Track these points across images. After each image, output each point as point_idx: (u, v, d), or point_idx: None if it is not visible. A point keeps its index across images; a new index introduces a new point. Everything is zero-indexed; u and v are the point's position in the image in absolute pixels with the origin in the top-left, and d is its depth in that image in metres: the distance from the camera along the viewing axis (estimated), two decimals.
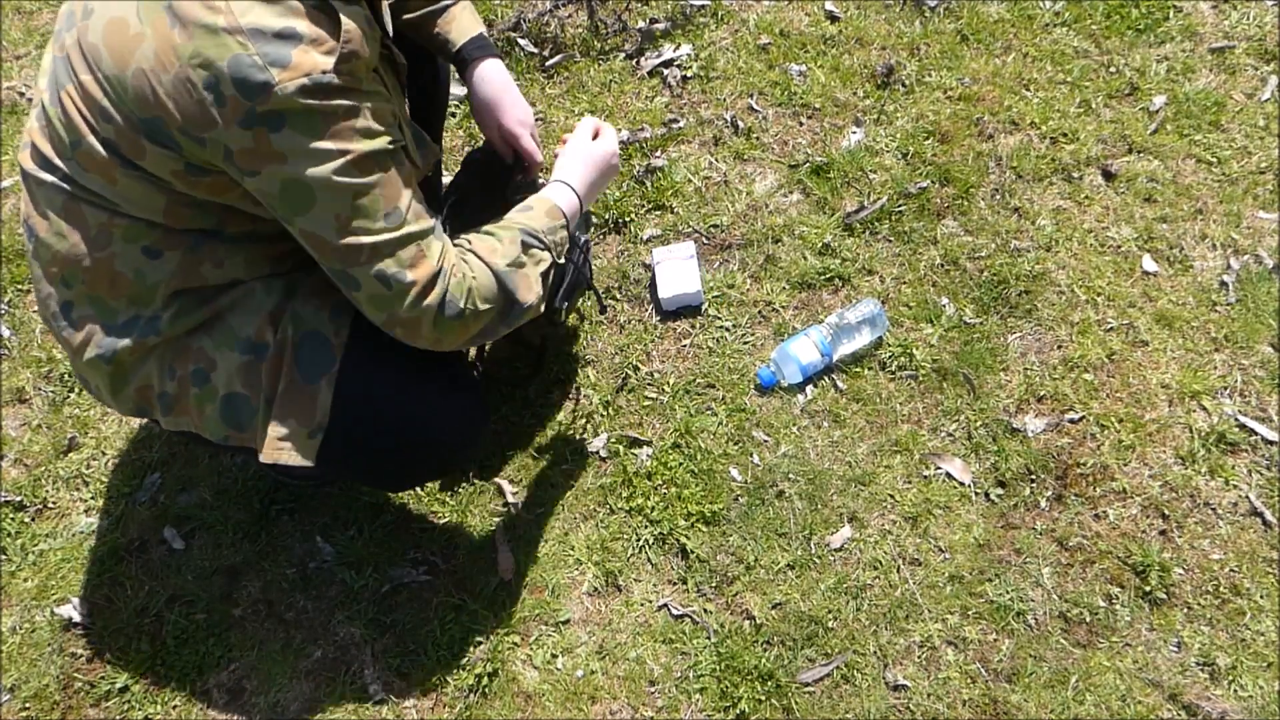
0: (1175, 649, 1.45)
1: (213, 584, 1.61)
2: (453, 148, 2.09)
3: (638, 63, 2.16)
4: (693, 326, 1.80)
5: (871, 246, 1.86)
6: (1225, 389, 1.66)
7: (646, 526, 1.60)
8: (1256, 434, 1.60)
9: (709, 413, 1.70)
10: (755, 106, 2.06)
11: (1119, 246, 1.82)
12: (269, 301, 1.20)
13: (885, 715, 1.43)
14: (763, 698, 1.44)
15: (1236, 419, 1.62)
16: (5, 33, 2.45)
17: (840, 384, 1.71)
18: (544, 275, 1.25)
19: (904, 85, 2.06)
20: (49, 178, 1.09)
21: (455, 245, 1.18)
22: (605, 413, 1.72)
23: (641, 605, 1.55)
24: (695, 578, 1.56)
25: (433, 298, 1.11)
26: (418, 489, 1.66)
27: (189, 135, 0.99)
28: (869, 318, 1.71)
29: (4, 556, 1.66)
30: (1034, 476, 1.60)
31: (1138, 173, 1.90)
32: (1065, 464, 1.60)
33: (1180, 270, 1.79)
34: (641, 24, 2.20)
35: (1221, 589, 1.48)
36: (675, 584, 1.56)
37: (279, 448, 1.19)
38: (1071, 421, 1.64)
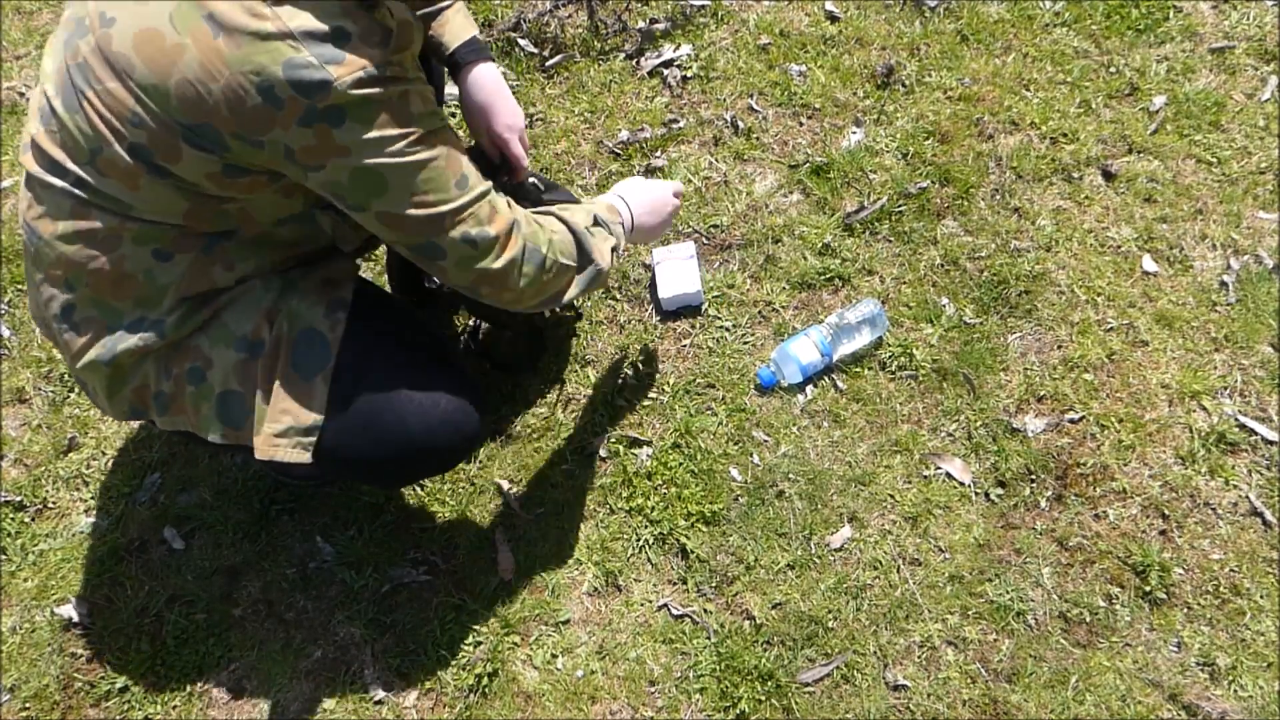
0: (1175, 649, 1.45)
1: (213, 584, 1.61)
2: None
3: (638, 63, 2.16)
4: (693, 326, 1.80)
5: (871, 246, 1.86)
6: (1225, 389, 1.66)
7: (646, 526, 1.60)
8: (1256, 434, 1.60)
9: (709, 413, 1.70)
10: (755, 106, 2.06)
11: (1119, 246, 1.82)
12: (266, 299, 1.20)
13: (885, 715, 1.43)
14: (763, 698, 1.44)
15: (1236, 419, 1.62)
16: (5, 33, 2.45)
17: (840, 384, 1.71)
18: (613, 250, 1.34)
19: (904, 85, 2.06)
20: (59, 182, 1.09)
21: (532, 212, 1.26)
22: (605, 413, 1.72)
23: (641, 605, 1.55)
24: (695, 578, 1.56)
25: (514, 247, 1.17)
26: (417, 487, 1.66)
27: (244, 139, 1.00)
28: (869, 318, 1.71)
29: (4, 556, 1.66)
30: (1034, 476, 1.60)
31: (1138, 173, 1.90)
32: (1065, 464, 1.60)
33: (1180, 270, 1.79)
34: (641, 24, 2.20)
35: (1221, 589, 1.48)
36: (675, 584, 1.56)
37: (275, 444, 1.19)
38: (1071, 421, 1.64)
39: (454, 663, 1.51)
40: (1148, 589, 1.49)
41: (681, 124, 2.04)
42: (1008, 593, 1.50)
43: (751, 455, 1.65)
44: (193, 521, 1.67)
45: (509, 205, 1.20)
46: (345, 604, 1.57)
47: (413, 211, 1.09)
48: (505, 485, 1.66)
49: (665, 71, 2.13)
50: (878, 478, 1.62)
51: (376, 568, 1.60)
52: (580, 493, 1.65)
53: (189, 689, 1.52)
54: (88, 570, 1.63)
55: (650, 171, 1.97)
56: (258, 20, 0.95)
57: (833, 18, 2.18)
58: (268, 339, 1.19)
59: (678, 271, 1.79)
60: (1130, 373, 1.68)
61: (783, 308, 1.80)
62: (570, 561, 1.59)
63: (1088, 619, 1.48)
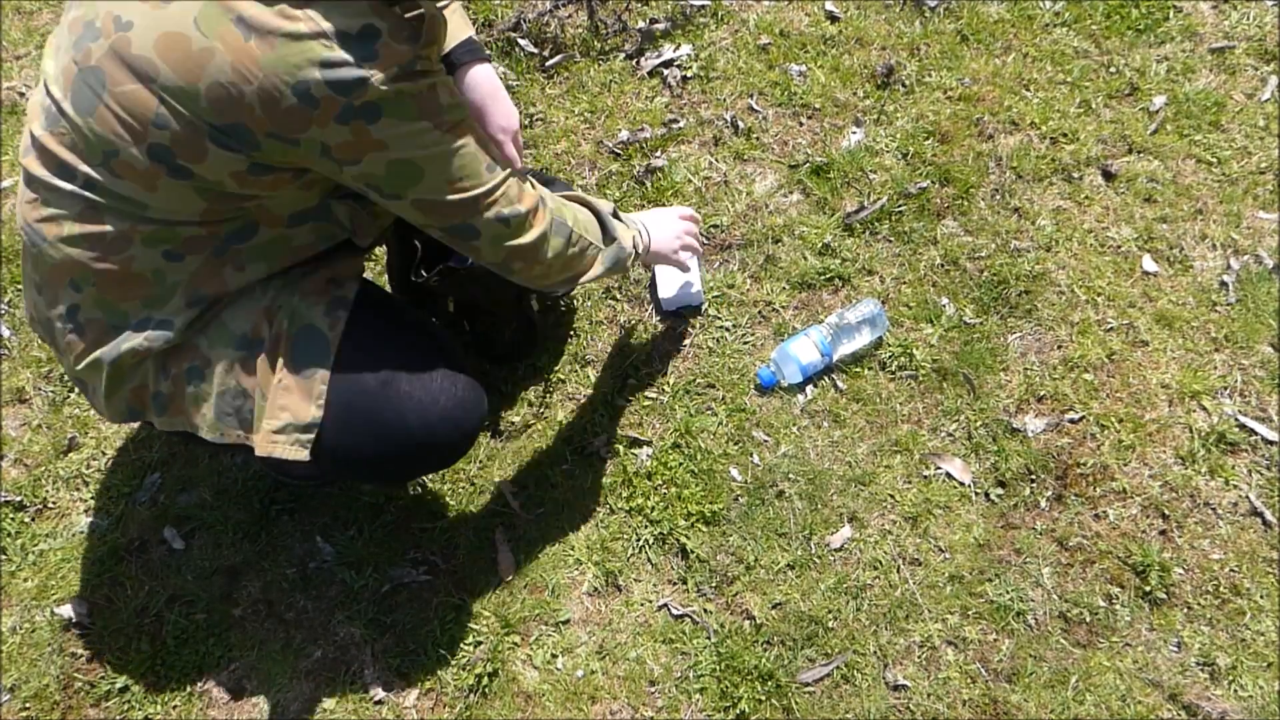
0: (1175, 649, 1.45)
1: (213, 584, 1.61)
2: None
3: (638, 63, 2.16)
4: (693, 326, 1.80)
5: (871, 246, 1.86)
6: (1225, 389, 1.66)
7: (646, 526, 1.60)
8: (1256, 434, 1.60)
9: (709, 413, 1.70)
10: (755, 106, 2.06)
11: (1119, 246, 1.82)
12: (265, 298, 1.20)
13: (885, 715, 1.43)
14: (763, 698, 1.44)
15: (1236, 419, 1.62)
16: (5, 33, 2.45)
17: (840, 384, 1.71)
18: (633, 240, 1.42)
19: (904, 85, 2.06)
20: (67, 185, 1.09)
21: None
22: (605, 413, 1.72)
23: (641, 605, 1.55)
24: (695, 578, 1.56)
25: (542, 222, 1.24)
26: (417, 487, 1.66)
27: (279, 137, 1.01)
28: (869, 318, 1.71)
29: (4, 556, 1.66)
30: (1034, 476, 1.60)
31: (1138, 173, 1.90)
32: (1065, 464, 1.60)
33: (1180, 270, 1.79)
34: (641, 24, 2.20)
35: (1221, 589, 1.48)
36: (675, 584, 1.56)
37: (274, 441, 1.19)
38: (1071, 421, 1.64)
39: (454, 663, 1.51)
40: (1148, 589, 1.49)
41: (681, 124, 2.04)
42: (1008, 593, 1.50)
43: (751, 455, 1.65)
44: (193, 521, 1.67)
45: (533, 184, 1.25)
46: (345, 604, 1.57)
47: (450, 197, 1.13)
48: (505, 485, 1.66)
49: (665, 71, 2.13)
50: (878, 478, 1.62)
51: (376, 568, 1.60)
52: (580, 493, 1.65)
53: (189, 689, 1.52)
54: (88, 570, 1.63)
55: (650, 171, 1.97)
56: (290, 22, 0.96)
57: (833, 18, 2.18)
58: (267, 336, 1.19)
59: (678, 272, 1.79)
60: (1130, 373, 1.68)
61: (783, 308, 1.80)
62: (570, 561, 1.59)
63: (1088, 619, 1.48)
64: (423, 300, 1.69)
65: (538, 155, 2.04)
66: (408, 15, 1.03)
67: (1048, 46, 2.09)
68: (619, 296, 1.85)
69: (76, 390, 1.82)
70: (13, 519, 1.69)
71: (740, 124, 2.03)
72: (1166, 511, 1.55)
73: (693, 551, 1.57)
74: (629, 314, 1.83)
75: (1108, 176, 1.91)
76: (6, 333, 1.91)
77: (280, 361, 1.19)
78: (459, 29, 1.45)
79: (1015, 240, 1.84)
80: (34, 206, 1.13)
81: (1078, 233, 1.84)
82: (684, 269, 1.67)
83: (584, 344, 1.80)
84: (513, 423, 1.73)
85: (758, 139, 2.01)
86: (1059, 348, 1.72)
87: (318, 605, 1.58)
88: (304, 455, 1.20)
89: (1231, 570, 1.50)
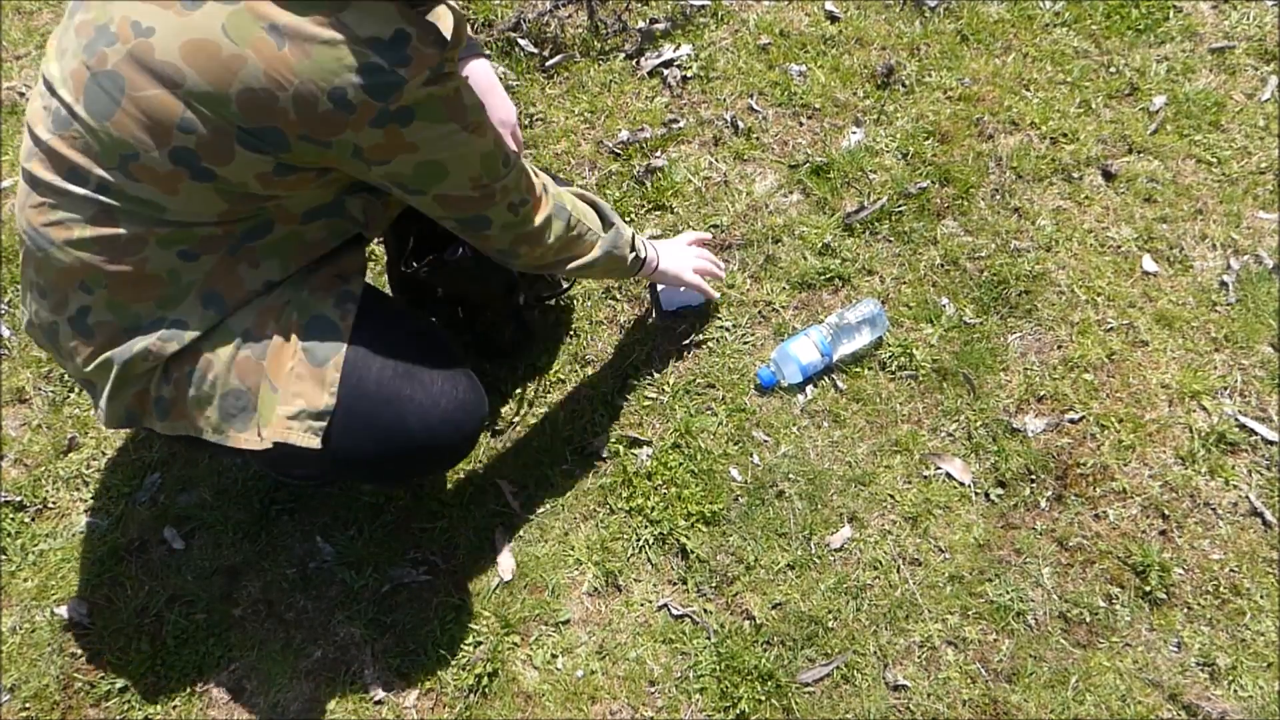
0: (1175, 649, 1.45)
1: (213, 584, 1.61)
2: None
3: (638, 63, 2.16)
4: (693, 326, 1.80)
5: (871, 246, 1.86)
6: (1225, 389, 1.66)
7: (646, 526, 1.60)
8: (1256, 434, 1.60)
9: (709, 413, 1.70)
10: (755, 106, 2.06)
11: (1119, 246, 1.82)
12: (269, 296, 1.20)
13: (885, 715, 1.43)
14: (763, 698, 1.44)
15: (1236, 419, 1.62)
16: (5, 33, 2.45)
17: (840, 384, 1.71)
18: (634, 239, 1.49)
19: (904, 85, 2.06)
20: (79, 189, 1.08)
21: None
22: (605, 413, 1.72)
23: (641, 605, 1.55)
24: (695, 578, 1.56)
25: (547, 206, 1.29)
26: (417, 487, 1.66)
27: (311, 140, 1.03)
28: (869, 318, 1.71)
29: (4, 556, 1.66)
30: (1034, 476, 1.60)
31: (1138, 173, 1.90)
32: (1065, 464, 1.60)
33: (1180, 270, 1.79)
34: (641, 24, 2.20)
35: (1221, 589, 1.48)
36: (675, 584, 1.56)
37: (288, 427, 1.19)
38: (1071, 421, 1.64)
39: (454, 663, 1.51)
40: (1148, 589, 1.49)
41: (681, 124, 2.04)
42: (1008, 593, 1.50)
43: (751, 455, 1.65)
44: (193, 521, 1.67)
45: (536, 172, 1.29)
46: (345, 604, 1.57)
47: (469, 193, 1.17)
48: (505, 485, 1.66)
49: (665, 71, 2.13)
50: (878, 478, 1.62)
51: (376, 568, 1.60)
52: (580, 493, 1.65)
53: (189, 689, 1.52)
54: (88, 570, 1.63)
55: (650, 171, 1.97)
56: (325, 30, 0.97)
57: (833, 18, 2.18)
58: (275, 331, 1.19)
59: None
60: (1130, 373, 1.68)
61: (783, 308, 1.80)
62: (570, 561, 1.59)
63: (1088, 619, 1.48)
64: (422, 300, 1.69)
65: (538, 155, 2.04)
66: (430, 17, 1.05)
67: (1048, 46, 2.09)
68: (619, 296, 1.85)
69: (78, 389, 1.82)
70: (13, 519, 1.69)
71: (740, 124, 2.03)
72: (1166, 511, 1.55)
73: (693, 551, 1.57)
74: (629, 314, 1.83)
75: (1108, 176, 1.91)
76: (6, 333, 1.91)
77: (292, 350, 1.20)
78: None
79: (1015, 240, 1.84)
80: (40, 210, 1.11)
81: (1078, 233, 1.84)
82: (708, 295, 1.72)
83: (584, 344, 1.80)
84: (513, 423, 1.73)
85: (758, 139, 2.01)
86: (1059, 348, 1.72)
87: (318, 605, 1.58)
88: (316, 443, 1.20)
89: (1231, 570, 1.50)
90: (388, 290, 1.75)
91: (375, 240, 1.81)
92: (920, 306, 1.78)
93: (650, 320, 1.82)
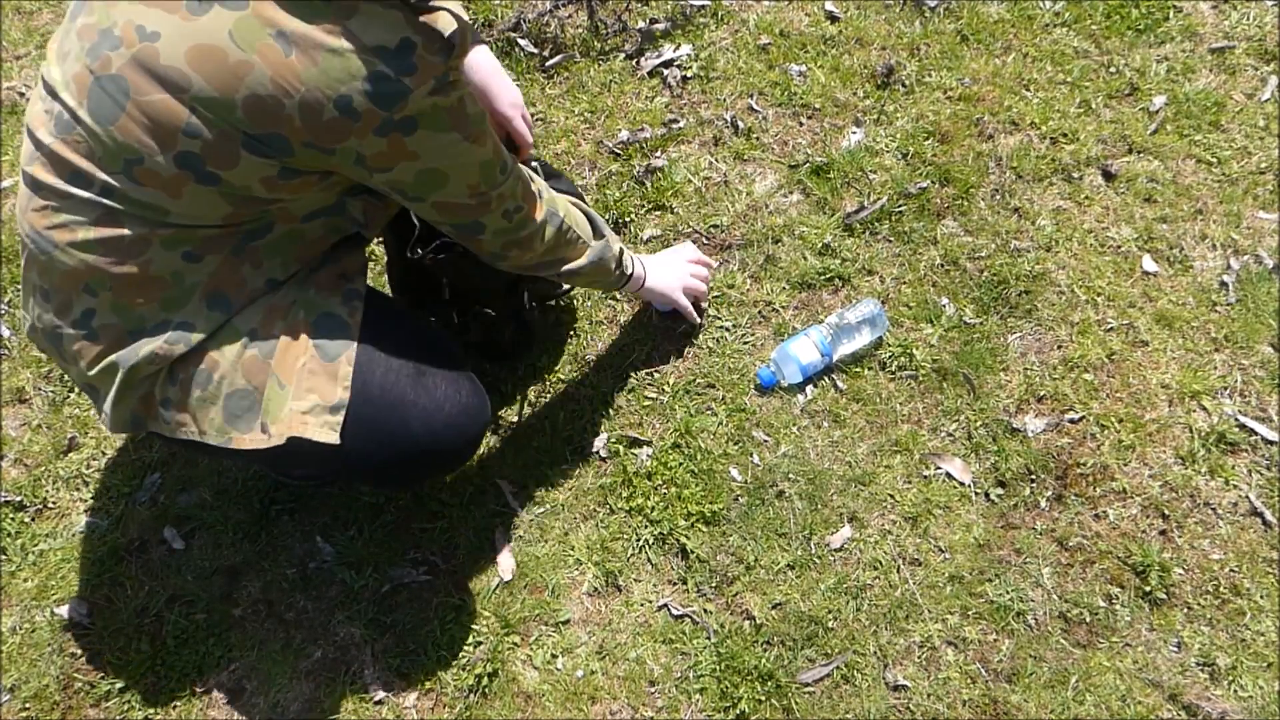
0: (1175, 649, 1.45)
1: (213, 584, 1.61)
2: None
3: (638, 63, 2.16)
4: (693, 326, 1.80)
5: (871, 246, 1.86)
6: (1225, 389, 1.66)
7: (646, 526, 1.60)
8: (1256, 434, 1.60)
9: (709, 413, 1.70)
10: (755, 106, 2.06)
11: (1119, 246, 1.82)
12: (274, 296, 1.20)
13: (885, 715, 1.43)
14: (763, 698, 1.44)
15: (1236, 419, 1.62)
16: (5, 33, 2.45)
17: (840, 384, 1.71)
18: (623, 252, 1.50)
19: (904, 85, 2.06)
20: (82, 193, 1.08)
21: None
22: (605, 413, 1.72)
23: (641, 605, 1.55)
24: (695, 578, 1.56)
25: (541, 212, 1.30)
26: (418, 487, 1.66)
27: (315, 146, 1.03)
28: (869, 318, 1.71)
29: (4, 556, 1.66)
30: (1034, 476, 1.60)
31: (1138, 173, 1.90)
32: (1065, 464, 1.60)
33: (1180, 270, 1.79)
34: (641, 24, 2.20)
35: (1221, 589, 1.48)
36: (675, 584, 1.56)
37: (304, 422, 1.18)
38: (1071, 421, 1.64)
39: (454, 663, 1.51)
40: (1148, 589, 1.49)
41: (681, 124, 2.04)
42: (1008, 593, 1.50)
43: (751, 455, 1.65)
44: (193, 521, 1.67)
45: (532, 176, 1.30)
46: (345, 604, 1.57)
47: (467, 200, 1.18)
48: (505, 485, 1.66)
49: (665, 71, 2.13)
50: (878, 478, 1.62)
51: (376, 568, 1.60)
52: (580, 493, 1.65)
53: (189, 689, 1.52)
54: (88, 570, 1.63)
55: (650, 171, 1.97)
56: (332, 37, 0.97)
57: (833, 18, 2.18)
58: (283, 329, 1.19)
59: None
60: (1130, 373, 1.68)
61: (783, 308, 1.80)
62: (570, 561, 1.59)
63: (1088, 619, 1.48)
64: (422, 301, 1.69)
65: (538, 155, 2.04)
66: (435, 24, 1.04)
67: (1048, 46, 2.09)
68: (619, 296, 1.85)
69: (78, 390, 1.82)
70: (13, 519, 1.69)
71: (740, 124, 2.03)
72: (1166, 511, 1.55)
73: (693, 551, 1.57)
74: (629, 314, 1.83)
75: (1108, 176, 1.91)
76: (6, 333, 1.91)
77: (302, 347, 1.20)
78: (458, 14, 1.46)
79: (1015, 240, 1.84)
80: (43, 214, 1.11)
81: (1078, 233, 1.84)
82: (691, 319, 1.73)
83: (584, 344, 1.80)
84: (513, 423, 1.73)
85: (758, 139, 2.01)
86: (1059, 348, 1.72)
87: (318, 605, 1.58)
88: (334, 437, 1.20)
89: (1231, 570, 1.50)
90: (387, 291, 1.75)
91: (375, 240, 1.81)
92: (920, 306, 1.78)
93: (650, 320, 1.82)
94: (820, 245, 1.85)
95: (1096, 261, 1.80)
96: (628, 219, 1.94)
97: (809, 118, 2.04)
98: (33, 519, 1.70)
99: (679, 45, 2.16)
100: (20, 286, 1.99)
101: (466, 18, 1.45)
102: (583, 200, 1.65)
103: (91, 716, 1.51)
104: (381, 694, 1.49)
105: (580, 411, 1.73)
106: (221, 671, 1.53)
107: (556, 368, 1.78)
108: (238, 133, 1.01)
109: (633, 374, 1.76)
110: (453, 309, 1.71)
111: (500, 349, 1.76)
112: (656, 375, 1.75)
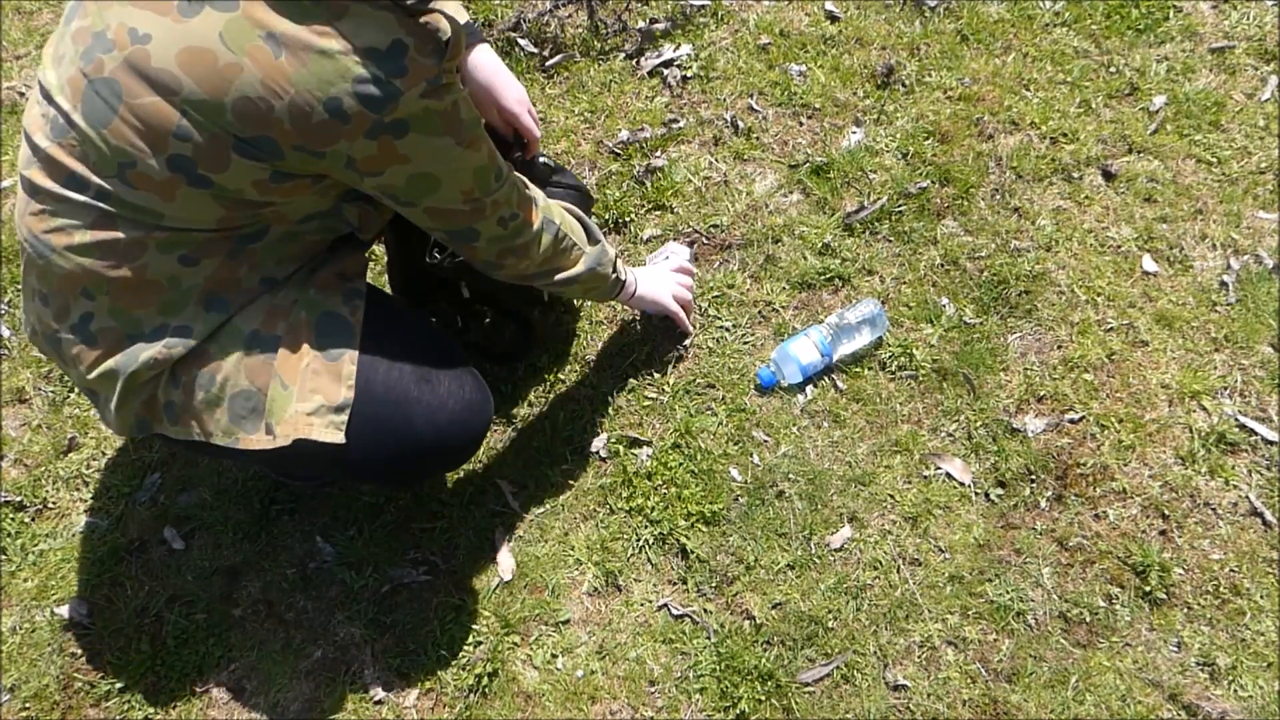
0: (1175, 649, 1.45)
1: (213, 584, 1.61)
2: None
3: (638, 63, 2.16)
4: (693, 327, 1.80)
5: (871, 246, 1.86)
6: (1225, 389, 1.66)
7: (646, 526, 1.60)
8: (1256, 434, 1.60)
9: (709, 413, 1.70)
10: (755, 106, 2.06)
11: (1119, 246, 1.82)
12: (274, 297, 1.20)
13: (885, 715, 1.43)
14: (763, 698, 1.44)
15: (1236, 419, 1.62)
16: (5, 33, 2.45)
17: (840, 384, 1.71)
18: (616, 259, 1.49)
19: (904, 85, 2.06)
20: (78, 196, 1.08)
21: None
22: (605, 413, 1.72)
23: (641, 605, 1.55)
24: (695, 578, 1.56)
25: (537, 220, 1.29)
26: (421, 485, 1.66)
27: (305, 150, 1.02)
28: (869, 318, 1.71)
29: (4, 556, 1.66)
30: (1034, 476, 1.60)
31: (1138, 173, 1.90)
32: (1065, 464, 1.60)
33: (1180, 270, 1.79)
34: (641, 24, 2.20)
35: (1221, 589, 1.48)
36: (675, 584, 1.56)
37: (309, 423, 1.18)
38: (1071, 421, 1.64)
39: (454, 663, 1.51)
40: (1148, 589, 1.49)
41: (681, 124, 2.04)
42: (1008, 593, 1.50)
43: (751, 455, 1.65)
44: (193, 521, 1.67)
45: (526, 184, 1.29)
46: (345, 604, 1.57)
47: (460, 206, 1.17)
48: (505, 485, 1.66)
49: (665, 71, 2.13)
50: (878, 478, 1.62)
51: (376, 568, 1.60)
52: (580, 493, 1.65)
53: (189, 689, 1.52)
54: (88, 570, 1.63)
55: (650, 171, 1.97)
56: (322, 39, 0.96)
57: (833, 18, 2.18)
58: (284, 330, 1.19)
59: None
60: (1130, 373, 1.68)
61: (783, 308, 1.80)
62: (570, 561, 1.59)
63: (1088, 619, 1.48)
64: (423, 301, 1.69)
65: (545, 152, 2.03)
66: (429, 26, 1.04)
67: (1048, 46, 2.09)
68: (613, 306, 1.85)
69: (78, 391, 1.82)
70: (13, 519, 1.69)
71: (740, 124, 2.03)
72: (1166, 511, 1.55)
73: (693, 551, 1.57)
74: (629, 314, 1.83)
75: (1108, 176, 1.91)
76: (6, 333, 1.91)
77: (305, 348, 1.19)
78: (456, 14, 1.45)
79: (1015, 240, 1.84)
80: (41, 218, 1.11)
81: (1078, 233, 1.84)
82: (685, 328, 1.73)
83: (584, 344, 1.80)
84: (513, 423, 1.73)
85: (758, 139, 2.01)
86: (1059, 348, 1.72)
87: (318, 605, 1.58)
88: (339, 437, 1.19)
89: (1231, 570, 1.50)
90: (388, 291, 1.75)
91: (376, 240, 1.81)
92: (920, 306, 1.78)
93: (650, 320, 1.82)
94: (820, 245, 1.85)
95: (1096, 261, 1.80)
96: (628, 219, 1.94)
97: (809, 118, 2.04)
98: (33, 519, 1.70)
99: (679, 45, 2.16)
100: (21, 288, 1.99)
101: (464, 19, 1.45)
102: (588, 194, 1.65)
103: (91, 716, 1.51)
104: (381, 694, 1.49)
105: (580, 411, 1.73)
106: (221, 671, 1.53)
107: (556, 368, 1.78)
108: (228, 136, 1.00)
109: (633, 374, 1.76)
110: (463, 310, 1.71)
111: (500, 349, 1.76)
112: (656, 375, 1.75)
